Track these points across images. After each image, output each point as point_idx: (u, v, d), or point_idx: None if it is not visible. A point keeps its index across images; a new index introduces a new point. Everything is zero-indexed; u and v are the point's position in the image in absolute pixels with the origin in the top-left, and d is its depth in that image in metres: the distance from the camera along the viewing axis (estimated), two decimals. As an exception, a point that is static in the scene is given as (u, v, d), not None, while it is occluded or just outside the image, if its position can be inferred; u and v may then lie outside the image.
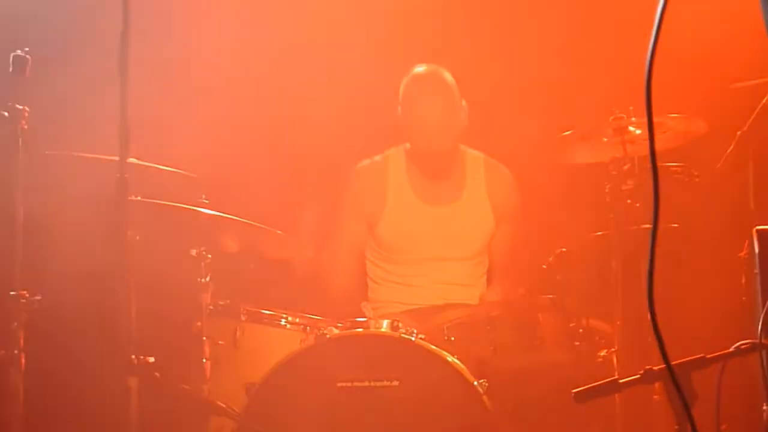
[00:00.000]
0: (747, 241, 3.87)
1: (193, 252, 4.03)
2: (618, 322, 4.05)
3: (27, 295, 3.81)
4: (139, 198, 3.85)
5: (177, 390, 3.86)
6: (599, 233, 4.28)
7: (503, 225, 4.69)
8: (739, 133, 4.30)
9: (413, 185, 4.67)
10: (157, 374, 3.69)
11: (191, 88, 4.92)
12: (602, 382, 2.83)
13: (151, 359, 3.66)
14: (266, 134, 5.24)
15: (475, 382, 3.77)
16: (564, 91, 5.08)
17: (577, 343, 3.99)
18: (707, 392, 2.61)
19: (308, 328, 4.07)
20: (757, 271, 2.83)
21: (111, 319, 3.47)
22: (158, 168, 4.13)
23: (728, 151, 4.32)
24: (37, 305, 3.83)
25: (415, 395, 3.77)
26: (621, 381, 2.78)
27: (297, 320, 4.11)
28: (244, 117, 5.16)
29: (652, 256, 1.68)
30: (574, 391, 2.80)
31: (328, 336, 3.85)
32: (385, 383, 3.79)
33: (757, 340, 2.51)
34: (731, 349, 2.66)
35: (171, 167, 4.18)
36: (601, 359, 4.01)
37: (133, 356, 3.63)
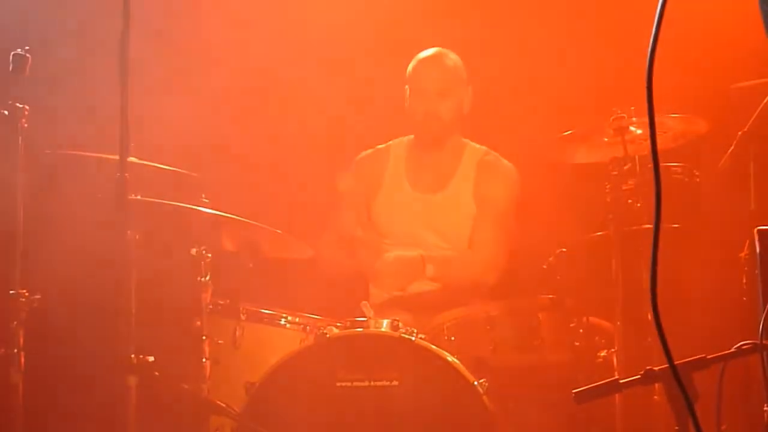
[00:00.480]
0: (748, 242, 3.87)
1: (193, 251, 4.03)
2: (618, 322, 4.04)
3: (27, 294, 3.81)
4: (139, 197, 3.84)
5: (176, 389, 3.86)
6: (600, 233, 4.28)
7: (487, 218, 4.59)
8: (739, 133, 4.29)
9: (408, 172, 4.70)
10: (156, 373, 3.69)
11: (192, 87, 4.92)
12: (602, 382, 2.83)
13: (151, 358, 3.66)
14: (267, 134, 5.24)
15: (475, 382, 3.76)
16: (565, 91, 5.07)
17: (577, 344, 3.98)
18: (708, 393, 2.60)
19: (308, 327, 4.07)
20: (758, 271, 2.83)
21: (110, 318, 3.47)
22: (158, 167, 4.13)
23: (729, 151, 4.32)
24: (37, 304, 3.83)
25: (415, 395, 3.77)
26: (621, 381, 2.77)
27: (297, 320, 4.12)
28: (244, 116, 5.16)
29: (654, 256, 1.67)
30: (574, 391, 2.80)
31: (327, 335, 3.85)
32: (385, 383, 3.79)
33: (758, 341, 2.50)
34: (732, 350, 2.66)
35: (171, 166, 4.18)
36: (601, 359, 4.00)
37: (133, 355, 3.63)
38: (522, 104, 5.12)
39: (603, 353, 4.01)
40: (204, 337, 4.00)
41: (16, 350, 3.77)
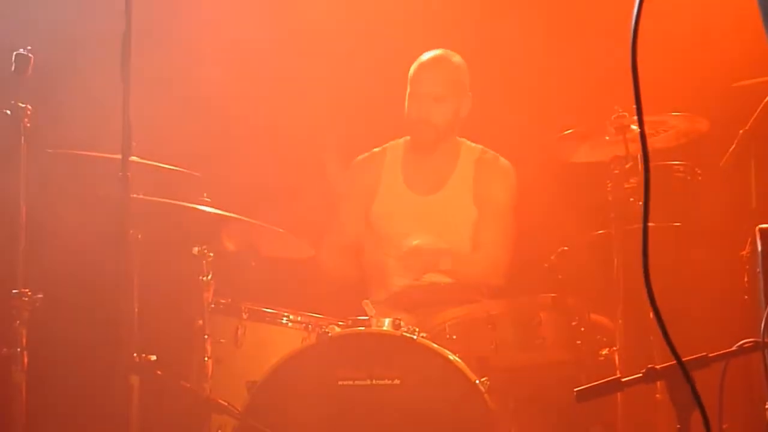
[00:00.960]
0: (749, 240, 3.87)
1: (195, 250, 4.03)
2: (620, 321, 4.05)
3: (29, 294, 3.81)
4: (141, 196, 3.85)
5: (178, 388, 3.86)
6: (601, 232, 4.28)
7: (489, 219, 4.63)
8: (741, 131, 4.29)
9: (405, 174, 4.71)
10: (158, 372, 3.69)
11: (193, 86, 4.92)
12: (604, 380, 2.83)
13: (153, 357, 3.67)
14: (268, 133, 5.24)
15: (477, 381, 3.76)
16: (566, 90, 5.08)
17: (579, 342, 3.98)
18: (709, 391, 2.60)
19: (310, 326, 4.07)
20: (759, 269, 2.83)
21: (113, 317, 3.47)
22: (160, 166, 4.14)
23: (730, 149, 4.32)
24: (40, 303, 3.83)
25: (416, 394, 3.77)
26: (623, 380, 2.77)
27: (298, 318, 4.12)
28: (245, 116, 5.16)
29: (645, 254, 1.67)
30: (575, 389, 2.79)
31: (329, 334, 3.85)
32: (387, 382, 3.79)
33: (760, 339, 2.51)
34: (734, 348, 2.65)
35: (173, 165, 4.18)
36: (602, 358, 4.00)
37: (135, 354, 3.64)
38: (523, 103, 5.12)
39: (605, 352, 4.02)
40: (206, 336, 4.00)
41: (18, 350, 3.77)
